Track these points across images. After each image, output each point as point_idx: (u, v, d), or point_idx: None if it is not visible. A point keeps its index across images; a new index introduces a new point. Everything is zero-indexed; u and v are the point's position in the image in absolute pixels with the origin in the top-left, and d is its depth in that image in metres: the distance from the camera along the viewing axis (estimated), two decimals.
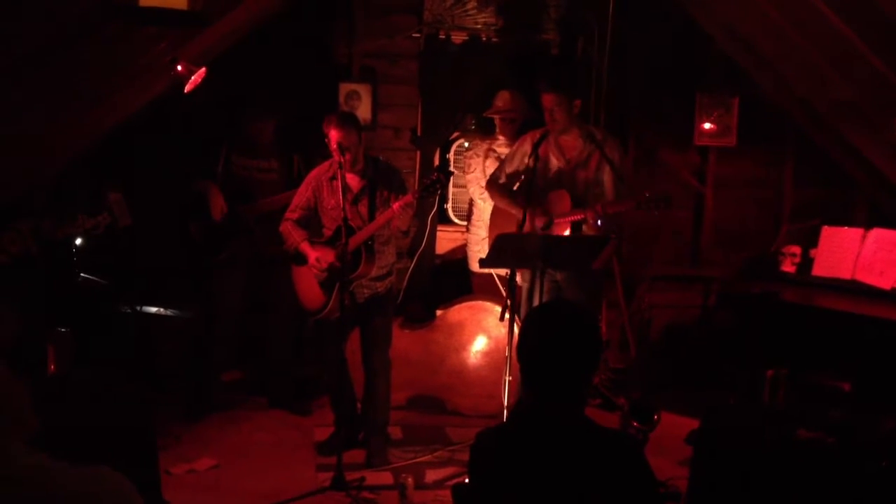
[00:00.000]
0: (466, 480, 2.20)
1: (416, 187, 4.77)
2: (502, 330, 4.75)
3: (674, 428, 4.35)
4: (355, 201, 4.22)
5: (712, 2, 5.36)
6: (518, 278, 4.48)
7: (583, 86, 5.37)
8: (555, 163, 4.50)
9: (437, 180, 4.03)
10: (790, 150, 5.94)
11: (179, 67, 4.17)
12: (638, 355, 5.56)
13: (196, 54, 4.47)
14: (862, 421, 3.20)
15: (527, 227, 4.20)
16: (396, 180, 4.31)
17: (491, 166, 5.11)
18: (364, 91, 5.58)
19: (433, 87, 5.64)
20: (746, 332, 5.27)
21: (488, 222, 4.95)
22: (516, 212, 4.32)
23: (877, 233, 4.80)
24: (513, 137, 5.16)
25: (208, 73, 4.30)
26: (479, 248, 5.32)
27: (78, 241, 4.27)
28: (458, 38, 5.67)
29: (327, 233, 4.27)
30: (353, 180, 4.23)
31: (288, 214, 4.33)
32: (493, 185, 4.71)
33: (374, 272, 4.23)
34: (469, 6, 5.67)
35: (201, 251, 4.86)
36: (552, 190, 4.46)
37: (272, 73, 5.31)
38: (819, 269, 4.97)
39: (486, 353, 5.13)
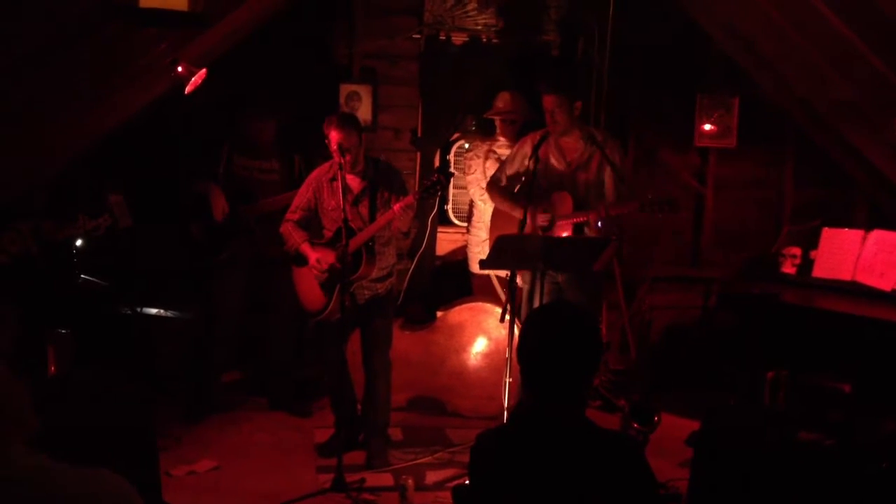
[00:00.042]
0: (467, 482, 2.20)
1: (417, 189, 4.77)
2: (502, 331, 4.75)
3: (674, 429, 4.34)
4: (356, 202, 4.22)
5: (712, 2, 5.36)
6: (518, 280, 4.48)
7: (583, 87, 5.37)
8: (555, 165, 4.50)
9: (437, 181, 4.03)
10: (790, 150, 5.94)
11: (180, 68, 4.17)
12: (638, 357, 5.56)
13: (197, 55, 4.47)
14: (862, 422, 3.20)
15: (528, 229, 4.20)
16: (397, 181, 4.31)
17: (491, 167, 5.11)
18: (364, 92, 5.58)
19: (433, 89, 5.65)
20: (747, 333, 5.27)
21: (489, 224, 4.95)
22: (517, 214, 4.32)
23: (877, 234, 4.80)
24: (513, 139, 5.16)
25: (209, 74, 4.30)
26: (479, 249, 5.32)
27: (78, 243, 4.27)
28: (459, 39, 5.67)
29: (328, 234, 4.27)
30: (354, 181, 4.23)
31: (288, 216, 4.33)
32: (493, 187, 4.71)
33: (375, 273, 4.23)
34: (469, 7, 5.67)
35: (202, 251, 4.86)
36: (554, 192, 4.46)
37: (273, 74, 5.32)
38: (819, 271, 4.97)
39: (487, 355, 5.13)
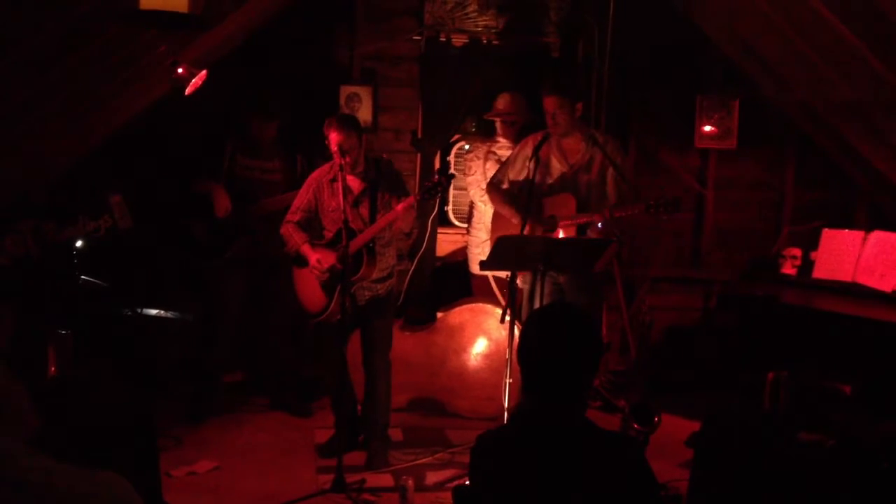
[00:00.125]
0: (467, 483, 2.20)
1: (417, 190, 4.78)
2: (503, 332, 4.75)
3: (674, 430, 4.34)
4: (356, 203, 4.23)
5: (712, 4, 5.36)
6: (519, 280, 4.48)
7: (583, 88, 5.38)
8: (557, 166, 4.50)
9: (438, 183, 4.04)
10: (791, 152, 5.94)
11: (180, 70, 4.17)
12: (638, 358, 5.56)
13: (197, 56, 4.47)
14: (863, 423, 3.20)
15: (528, 230, 4.19)
16: (398, 182, 4.32)
17: (491, 168, 5.11)
18: (365, 93, 5.59)
19: (434, 90, 5.65)
20: (747, 334, 5.28)
21: (489, 224, 4.95)
22: (516, 221, 4.32)
23: (877, 235, 4.80)
24: (513, 140, 5.16)
25: (211, 75, 4.31)
26: (479, 250, 5.33)
27: (79, 243, 4.27)
28: (459, 40, 5.68)
29: (328, 235, 4.27)
30: (354, 182, 4.24)
31: (289, 216, 4.33)
32: (494, 189, 4.69)
33: (375, 274, 4.23)
34: (470, 9, 5.67)
35: (205, 251, 4.86)
36: (556, 194, 4.46)
37: (274, 75, 5.32)
38: (820, 272, 4.97)
39: (487, 356, 5.13)
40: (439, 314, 5.23)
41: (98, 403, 3.17)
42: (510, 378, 3.92)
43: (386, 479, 4.14)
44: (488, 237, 4.93)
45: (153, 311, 5.09)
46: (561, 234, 4.34)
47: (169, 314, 5.14)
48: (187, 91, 4.27)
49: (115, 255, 4.65)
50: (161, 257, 5.18)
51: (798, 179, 5.95)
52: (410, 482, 3.72)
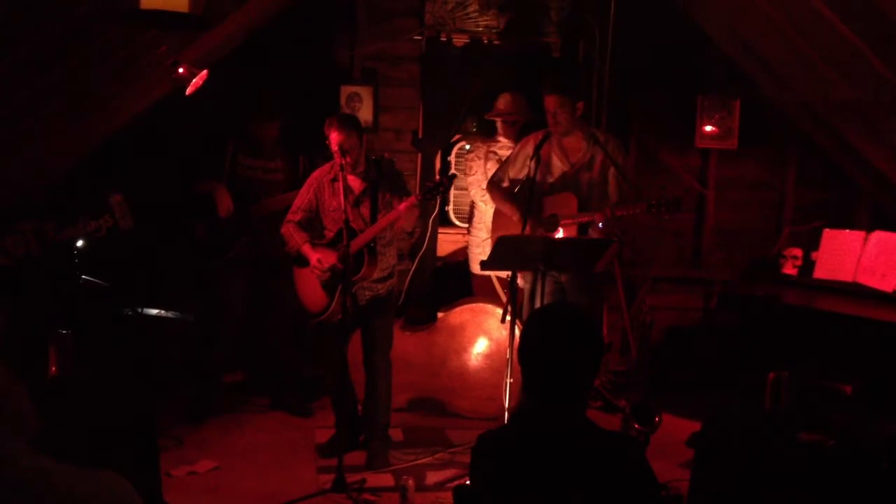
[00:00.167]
0: (467, 482, 2.20)
1: (418, 191, 4.78)
2: (503, 332, 4.75)
3: (675, 430, 4.35)
4: (357, 203, 4.23)
5: (713, 4, 5.36)
6: (520, 280, 4.48)
7: (584, 88, 5.38)
8: (558, 165, 4.49)
9: (439, 183, 4.04)
10: (792, 152, 5.94)
11: (181, 70, 4.17)
12: (639, 358, 5.56)
13: (198, 56, 4.47)
14: (863, 423, 3.19)
15: (529, 229, 4.19)
16: (399, 182, 4.32)
17: (492, 168, 5.11)
18: (365, 93, 5.59)
19: (434, 90, 5.65)
20: (748, 334, 5.28)
21: (490, 224, 4.95)
22: (516, 218, 4.32)
23: (878, 235, 4.79)
24: (514, 140, 5.16)
25: (210, 75, 4.31)
26: (480, 250, 5.33)
27: (80, 243, 4.27)
28: (460, 40, 5.68)
29: (329, 234, 4.27)
30: (355, 182, 4.24)
31: (290, 216, 4.33)
32: (494, 187, 4.69)
33: (376, 274, 4.23)
34: (470, 9, 5.67)
35: (207, 252, 4.86)
36: (557, 193, 4.46)
37: (274, 75, 5.32)
38: (820, 272, 4.97)
39: (487, 356, 5.13)
40: (440, 314, 5.23)
41: (98, 403, 3.18)
42: (511, 378, 3.92)
43: (386, 479, 4.14)
44: (489, 237, 4.93)
45: (154, 311, 5.09)
46: (562, 233, 4.34)
47: (170, 314, 5.14)
48: (188, 91, 4.28)
49: (115, 255, 4.65)
50: (162, 257, 5.19)
51: (799, 179, 5.95)
52: (411, 482, 3.71)
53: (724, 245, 5.96)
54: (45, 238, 3.99)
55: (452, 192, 5.94)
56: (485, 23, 5.69)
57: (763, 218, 5.99)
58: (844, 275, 4.83)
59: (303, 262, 4.27)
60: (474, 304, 5.21)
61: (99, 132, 4.76)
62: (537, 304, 4.12)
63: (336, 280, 4.13)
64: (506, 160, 4.76)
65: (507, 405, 3.95)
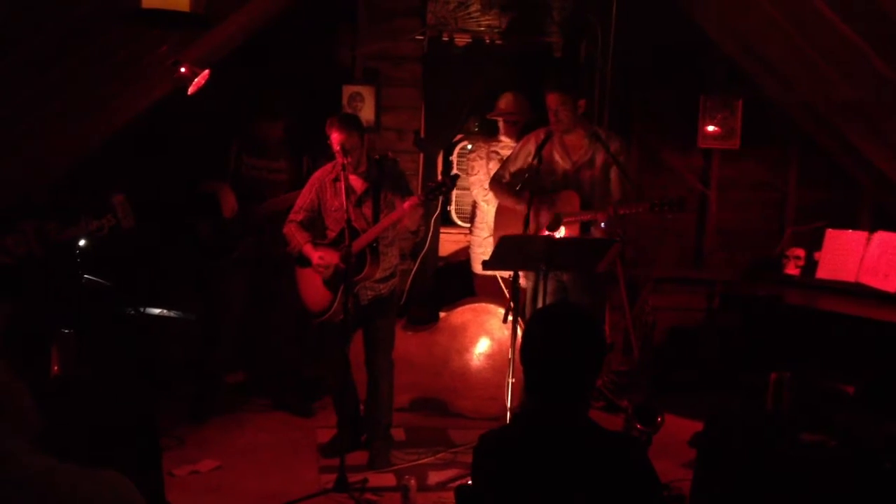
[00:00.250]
0: (469, 482, 2.20)
1: (420, 191, 4.77)
2: (505, 332, 4.75)
3: (677, 430, 4.34)
4: (359, 203, 4.22)
5: (715, 4, 5.36)
6: (522, 280, 4.47)
7: (586, 88, 5.37)
8: (560, 163, 4.49)
9: (442, 183, 4.03)
10: (794, 152, 5.94)
11: (183, 69, 4.17)
12: (641, 358, 5.56)
13: (199, 56, 4.47)
14: (865, 424, 3.19)
15: (532, 227, 4.18)
16: (402, 182, 4.32)
17: (494, 168, 5.10)
18: (367, 93, 5.59)
19: (436, 90, 5.65)
20: (750, 334, 5.27)
21: (492, 224, 4.95)
22: (521, 208, 4.29)
23: (881, 236, 4.79)
24: (516, 139, 5.16)
25: (212, 74, 4.31)
26: (482, 249, 5.32)
27: (82, 243, 4.27)
28: (462, 40, 5.68)
29: (331, 234, 4.27)
30: (357, 182, 4.23)
31: (292, 216, 4.33)
32: (496, 183, 4.69)
33: (379, 274, 4.23)
34: (472, 9, 5.67)
35: (211, 251, 4.86)
36: (559, 190, 4.45)
37: (275, 75, 5.32)
38: (823, 272, 4.97)
39: (489, 356, 5.13)
40: (442, 314, 5.23)
41: (101, 403, 3.18)
42: (513, 378, 3.92)
43: (388, 479, 4.14)
44: (491, 236, 4.93)
45: (156, 311, 5.09)
46: (564, 232, 4.34)
47: (172, 314, 5.14)
48: (190, 91, 4.27)
49: (118, 254, 4.65)
50: (164, 257, 5.19)
51: (801, 180, 5.94)
52: (413, 482, 3.71)
53: (726, 245, 5.95)
54: (48, 237, 3.99)
55: (454, 191, 5.93)
56: (487, 22, 5.69)
57: (765, 218, 5.99)
58: (847, 275, 4.83)
59: (305, 262, 4.27)
60: (476, 304, 5.21)
61: (99, 132, 4.76)
62: (539, 304, 4.12)
63: (338, 280, 4.13)
64: (507, 158, 4.76)
65: (509, 405, 3.95)
